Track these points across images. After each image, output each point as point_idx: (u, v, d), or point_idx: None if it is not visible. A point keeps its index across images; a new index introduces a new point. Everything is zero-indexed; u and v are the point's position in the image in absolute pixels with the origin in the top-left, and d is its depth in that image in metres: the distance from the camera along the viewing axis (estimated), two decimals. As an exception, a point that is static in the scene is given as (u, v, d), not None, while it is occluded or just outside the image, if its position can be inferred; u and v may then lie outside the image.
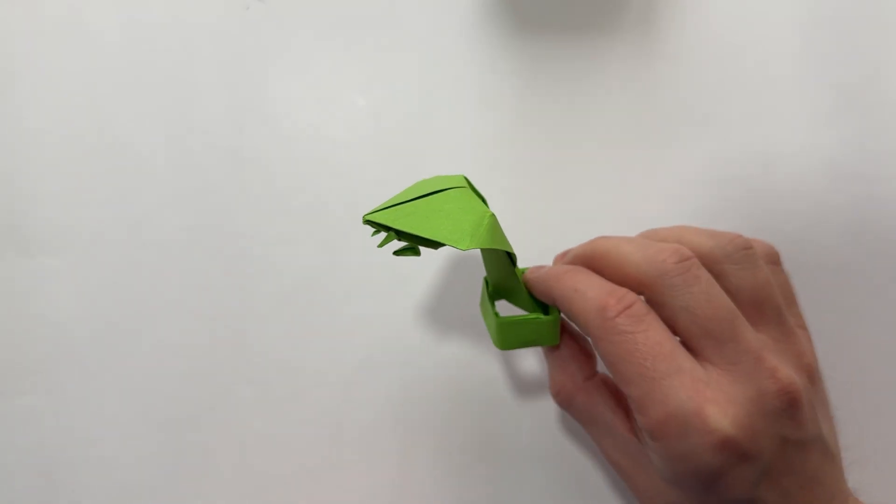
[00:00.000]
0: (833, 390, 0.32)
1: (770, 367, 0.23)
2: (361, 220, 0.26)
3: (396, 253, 0.26)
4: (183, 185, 0.34)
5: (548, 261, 0.33)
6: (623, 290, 0.23)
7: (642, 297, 0.24)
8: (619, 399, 0.27)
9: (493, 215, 0.24)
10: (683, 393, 0.22)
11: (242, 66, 0.35)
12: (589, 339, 0.23)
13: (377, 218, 0.25)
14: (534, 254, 0.33)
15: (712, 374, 0.23)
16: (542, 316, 0.27)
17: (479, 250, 0.27)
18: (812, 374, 0.25)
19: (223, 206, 0.34)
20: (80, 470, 0.32)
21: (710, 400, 0.22)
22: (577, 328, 0.28)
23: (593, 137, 0.34)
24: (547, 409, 0.32)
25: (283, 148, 0.34)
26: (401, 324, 0.33)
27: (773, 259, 0.27)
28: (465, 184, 0.27)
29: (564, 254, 0.28)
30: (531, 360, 0.33)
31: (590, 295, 0.24)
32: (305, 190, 0.34)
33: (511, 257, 0.26)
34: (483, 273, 0.32)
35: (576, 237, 0.33)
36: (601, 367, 0.29)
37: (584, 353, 0.28)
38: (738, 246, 0.25)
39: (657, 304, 0.24)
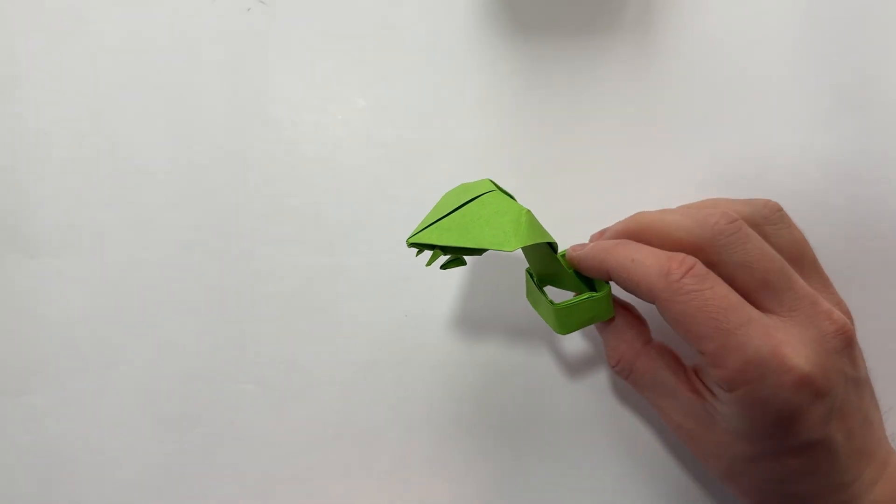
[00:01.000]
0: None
1: (826, 310, 0.25)
2: (406, 244, 0.27)
3: (444, 267, 0.28)
4: (185, 185, 0.34)
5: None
6: (681, 254, 0.25)
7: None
8: (677, 362, 0.28)
9: (528, 211, 0.25)
10: (758, 339, 0.23)
11: (244, 66, 0.35)
12: (655, 303, 0.25)
13: (420, 239, 0.26)
14: (533, 254, 0.33)
15: (777, 321, 0.24)
16: (594, 294, 0.27)
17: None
18: (851, 319, 0.27)
19: (225, 206, 0.34)
20: (81, 469, 0.32)
21: (783, 342, 0.23)
22: (631, 297, 0.29)
23: (593, 138, 0.34)
24: (556, 416, 0.32)
25: (284, 149, 0.34)
26: (402, 324, 0.33)
27: None
28: (493, 187, 0.27)
29: (602, 232, 0.29)
30: (536, 357, 0.33)
31: (649, 262, 0.25)
32: (307, 191, 0.34)
33: (552, 246, 0.27)
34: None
35: (576, 237, 0.33)
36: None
37: (639, 320, 0.29)
38: (772, 209, 0.28)
39: (713, 263, 0.25)
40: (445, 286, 0.33)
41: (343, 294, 0.33)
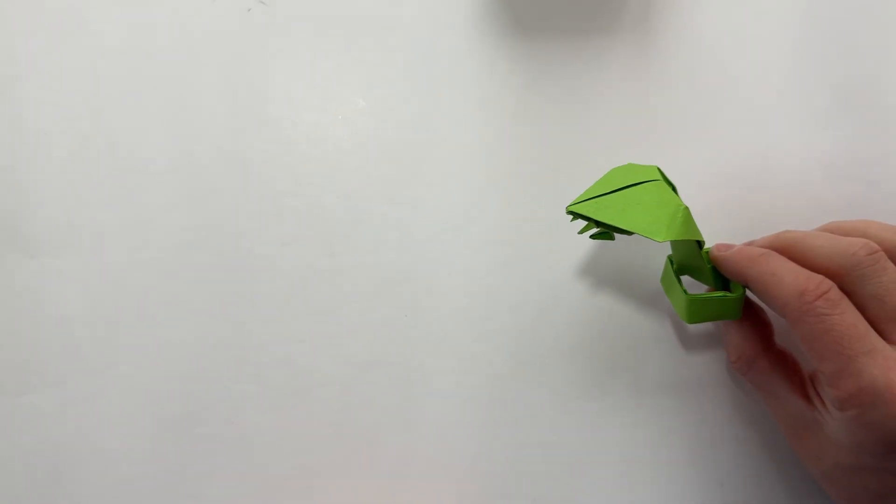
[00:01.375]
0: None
1: None
2: (565, 211, 0.29)
3: (594, 237, 0.29)
4: (184, 185, 0.34)
5: (550, 260, 0.33)
6: (820, 277, 0.25)
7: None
8: (795, 367, 0.29)
9: (686, 208, 0.26)
10: (876, 370, 0.24)
11: (244, 67, 0.35)
12: (785, 318, 0.26)
13: (580, 209, 0.28)
14: (534, 254, 0.33)
15: None
16: (728, 293, 0.28)
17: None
18: None
19: (225, 206, 0.34)
20: (82, 468, 0.32)
21: None
22: (762, 305, 0.30)
23: (592, 138, 0.34)
24: (556, 416, 0.32)
25: (284, 149, 0.34)
26: (402, 323, 0.33)
27: None
28: (659, 176, 0.28)
29: (751, 242, 0.30)
30: (536, 356, 0.33)
31: (788, 280, 0.26)
32: (307, 190, 0.34)
33: (700, 244, 0.28)
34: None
35: (575, 237, 0.33)
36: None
37: (765, 323, 0.30)
38: None
39: (847, 291, 0.26)
40: (445, 286, 0.33)
41: (343, 294, 0.33)
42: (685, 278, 0.31)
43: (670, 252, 0.31)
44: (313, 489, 0.32)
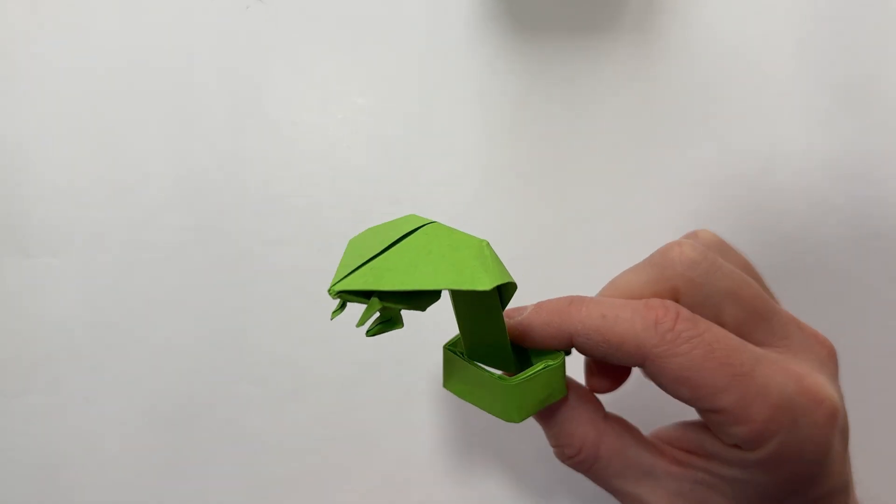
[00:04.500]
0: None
1: (812, 331, 0.22)
2: (329, 295, 0.20)
3: (372, 332, 0.20)
4: (183, 184, 0.34)
5: (550, 261, 0.33)
6: (657, 299, 0.21)
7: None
8: (639, 434, 0.24)
9: (487, 242, 0.20)
10: (779, 377, 0.20)
11: (242, 65, 0.35)
12: (644, 363, 0.20)
13: (352, 285, 0.19)
14: (534, 254, 0.33)
15: (779, 354, 0.21)
16: (551, 362, 0.22)
17: (448, 303, 0.22)
18: None
19: (223, 206, 0.34)
20: (80, 469, 0.32)
21: (801, 375, 0.20)
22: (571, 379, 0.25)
23: (593, 137, 0.34)
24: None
25: (282, 148, 0.34)
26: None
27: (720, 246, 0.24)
28: (426, 220, 0.21)
29: (520, 309, 0.23)
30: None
31: (626, 315, 0.20)
32: (305, 190, 0.34)
33: (504, 293, 0.21)
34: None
35: (575, 237, 0.33)
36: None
37: (589, 394, 0.24)
38: (713, 236, 0.24)
39: (692, 304, 0.21)
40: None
41: (343, 294, 0.33)
42: None
43: (463, 333, 0.22)
44: (313, 489, 0.32)
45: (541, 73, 0.34)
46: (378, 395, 0.32)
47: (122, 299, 0.33)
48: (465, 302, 0.21)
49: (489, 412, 0.22)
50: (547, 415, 0.23)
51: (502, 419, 0.22)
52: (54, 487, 0.32)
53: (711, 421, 0.21)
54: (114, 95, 0.35)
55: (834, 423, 0.20)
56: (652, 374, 0.21)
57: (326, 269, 0.33)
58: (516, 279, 0.22)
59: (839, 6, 0.34)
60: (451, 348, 0.23)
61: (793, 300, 0.33)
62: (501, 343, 0.22)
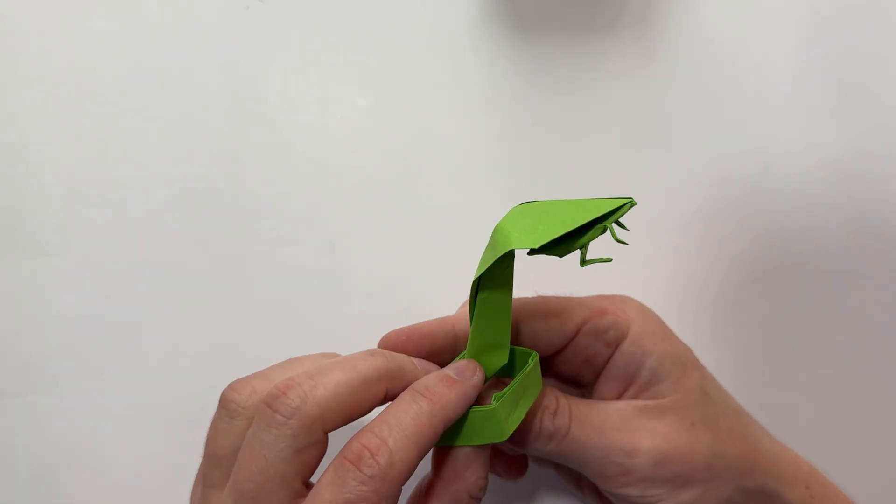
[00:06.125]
0: (832, 390, 0.32)
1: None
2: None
3: (588, 262, 0.22)
4: (184, 184, 0.34)
5: (549, 260, 0.33)
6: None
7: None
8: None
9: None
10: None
11: (243, 66, 0.35)
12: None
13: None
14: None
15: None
16: (528, 363, 0.23)
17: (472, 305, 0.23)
18: None
19: (224, 205, 0.34)
20: (80, 469, 0.32)
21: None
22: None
23: (593, 137, 0.34)
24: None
25: (283, 148, 0.34)
26: (402, 324, 0.33)
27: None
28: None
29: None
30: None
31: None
32: (306, 190, 0.34)
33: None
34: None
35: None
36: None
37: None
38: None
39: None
40: (445, 286, 0.33)
41: (343, 294, 0.33)
42: None
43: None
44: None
45: (541, 73, 0.34)
46: (378, 395, 0.32)
47: (122, 299, 0.33)
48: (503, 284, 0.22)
49: (476, 439, 0.21)
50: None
51: (493, 440, 0.21)
52: (54, 487, 0.32)
53: (587, 335, 0.25)
54: (114, 95, 0.35)
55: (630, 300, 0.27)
56: (527, 330, 0.25)
57: (327, 269, 0.33)
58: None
59: (839, 6, 0.34)
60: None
61: (793, 300, 0.33)
62: (506, 337, 0.22)
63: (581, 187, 0.34)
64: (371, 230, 0.33)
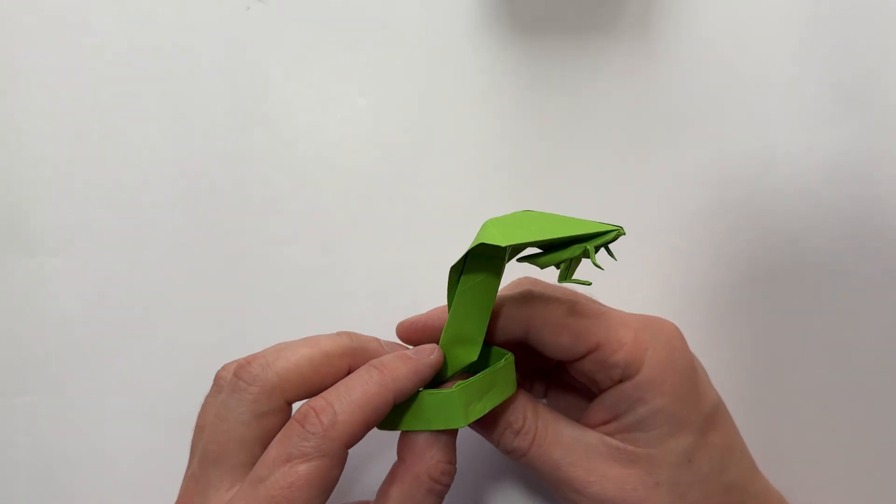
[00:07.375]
0: (832, 390, 0.32)
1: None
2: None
3: (571, 280, 0.22)
4: (184, 184, 0.34)
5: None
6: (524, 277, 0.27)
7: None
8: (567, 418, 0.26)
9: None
10: (626, 314, 0.26)
11: (243, 66, 0.35)
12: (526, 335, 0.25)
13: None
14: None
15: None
16: (497, 363, 0.23)
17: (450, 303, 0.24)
18: None
19: (224, 206, 0.34)
20: (81, 469, 0.32)
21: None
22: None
23: (592, 137, 0.34)
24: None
25: (283, 148, 0.34)
26: (401, 324, 0.33)
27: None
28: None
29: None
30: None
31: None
32: (306, 190, 0.34)
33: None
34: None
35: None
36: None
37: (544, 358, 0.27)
38: None
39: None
40: (445, 286, 0.33)
41: (343, 294, 0.33)
42: None
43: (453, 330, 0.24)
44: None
45: (541, 73, 0.34)
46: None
47: (122, 299, 0.33)
48: (486, 280, 0.23)
49: (433, 424, 0.23)
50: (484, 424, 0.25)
51: (450, 425, 0.22)
52: (54, 487, 0.32)
53: (594, 362, 0.24)
54: (114, 95, 0.35)
55: (682, 335, 0.25)
56: (535, 338, 0.24)
57: (327, 268, 0.33)
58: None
59: (839, 6, 0.34)
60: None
61: (793, 300, 0.33)
62: (480, 334, 0.24)
63: (581, 187, 0.34)
64: (371, 230, 0.33)
